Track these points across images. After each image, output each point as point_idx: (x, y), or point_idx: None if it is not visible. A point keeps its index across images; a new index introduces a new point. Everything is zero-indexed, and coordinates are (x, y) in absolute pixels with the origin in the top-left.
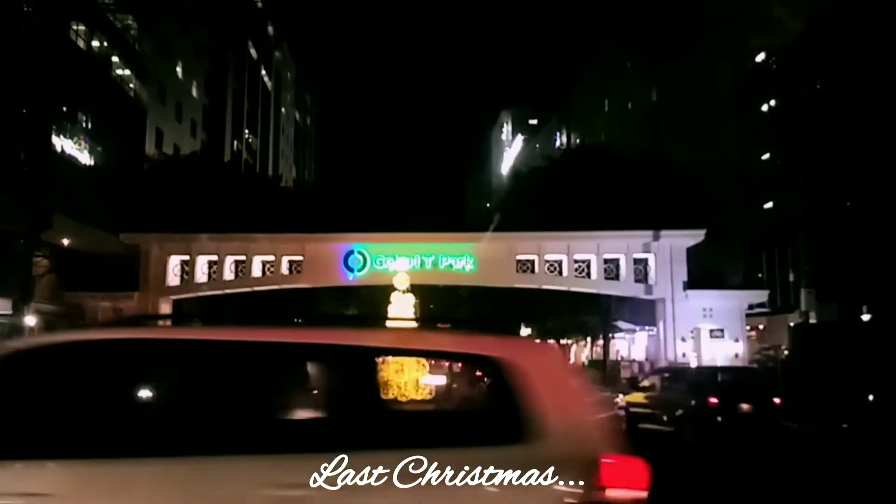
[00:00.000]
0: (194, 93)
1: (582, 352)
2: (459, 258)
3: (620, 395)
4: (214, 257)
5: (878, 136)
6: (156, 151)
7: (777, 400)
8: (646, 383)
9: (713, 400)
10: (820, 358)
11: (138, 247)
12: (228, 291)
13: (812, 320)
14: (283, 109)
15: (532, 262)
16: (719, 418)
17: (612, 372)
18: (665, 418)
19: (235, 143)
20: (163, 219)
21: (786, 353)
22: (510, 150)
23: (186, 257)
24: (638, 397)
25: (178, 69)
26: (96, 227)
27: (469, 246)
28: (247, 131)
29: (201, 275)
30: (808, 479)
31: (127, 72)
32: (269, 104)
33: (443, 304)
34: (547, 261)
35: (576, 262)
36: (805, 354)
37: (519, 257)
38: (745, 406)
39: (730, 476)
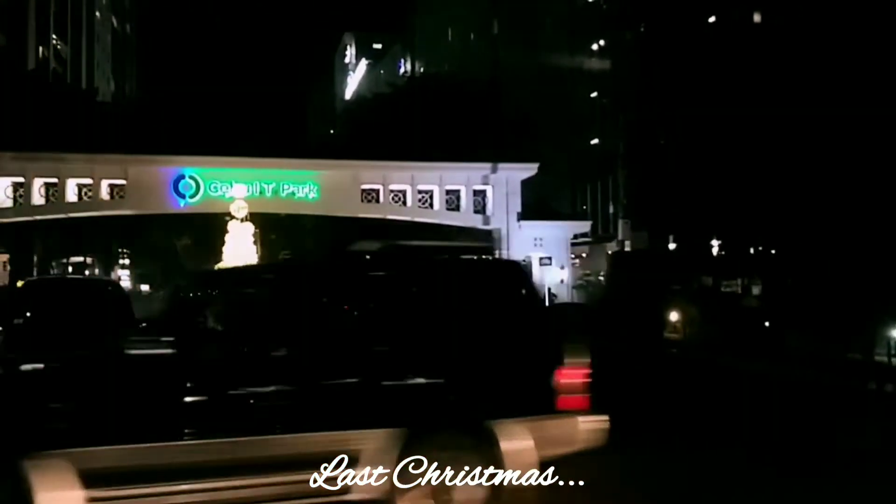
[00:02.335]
0: None
1: None
2: (302, 185)
3: None
4: (20, 179)
5: (688, 78)
6: None
7: None
8: None
9: None
10: (630, 281)
11: None
12: (38, 218)
13: (628, 247)
14: (97, 13)
15: (377, 191)
16: None
17: None
18: None
19: (41, 49)
20: None
21: (602, 277)
22: (354, 75)
23: None
24: None
25: None
26: None
27: (312, 173)
28: (54, 36)
29: (4, 198)
30: None
31: None
32: (80, 5)
33: (285, 235)
34: (392, 190)
35: (419, 192)
36: (618, 278)
37: (364, 186)
38: None
39: None
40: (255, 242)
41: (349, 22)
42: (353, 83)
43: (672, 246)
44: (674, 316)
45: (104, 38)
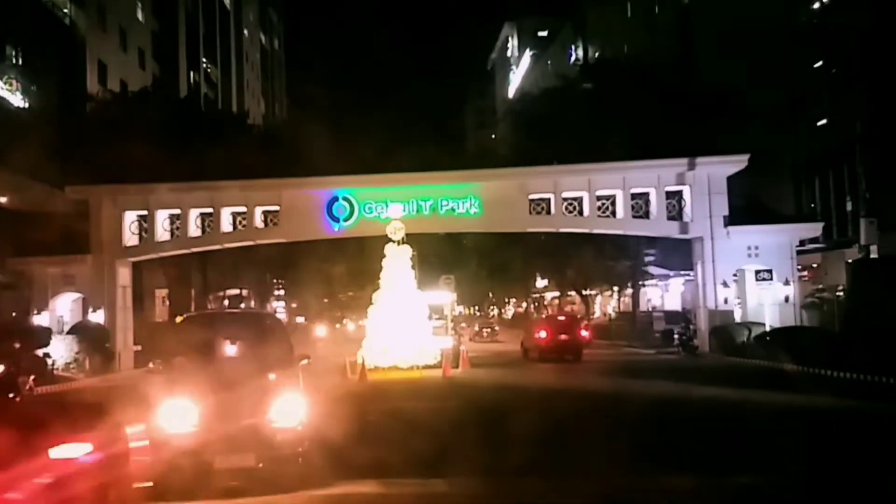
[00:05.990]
0: (140, 16)
1: (608, 303)
2: (462, 201)
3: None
4: (176, 211)
5: None
6: (100, 88)
7: (586, 333)
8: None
9: (542, 334)
10: (883, 297)
11: (87, 202)
12: (195, 250)
13: (874, 254)
14: (245, 32)
15: (547, 201)
16: (547, 344)
17: (643, 324)
18: (530, 347)
19: (192, 74)
20: (114, 168)
21: (841, 293)
22: (517, 70)
23: (144, 212)
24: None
25: None
26: (38, 181)
27: (473, 186)
28: (204, 60)
29: (162, 232)
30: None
31: None
32: (228, 26)
33: (445, 256)
34: (565, 199)
35: (598, 198)
36: (866, 294)
37: (532, 196)
38: (563, 336)
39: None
40: (413, 267)
41: (510, 11)
42: (515, 80)
43: None
44: None
45: (252, 57)
